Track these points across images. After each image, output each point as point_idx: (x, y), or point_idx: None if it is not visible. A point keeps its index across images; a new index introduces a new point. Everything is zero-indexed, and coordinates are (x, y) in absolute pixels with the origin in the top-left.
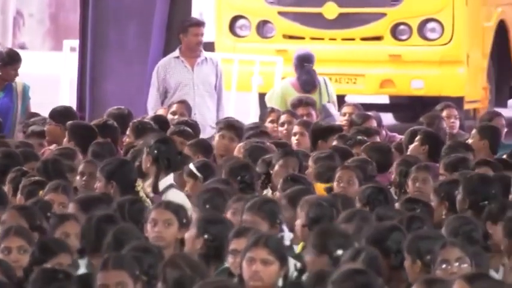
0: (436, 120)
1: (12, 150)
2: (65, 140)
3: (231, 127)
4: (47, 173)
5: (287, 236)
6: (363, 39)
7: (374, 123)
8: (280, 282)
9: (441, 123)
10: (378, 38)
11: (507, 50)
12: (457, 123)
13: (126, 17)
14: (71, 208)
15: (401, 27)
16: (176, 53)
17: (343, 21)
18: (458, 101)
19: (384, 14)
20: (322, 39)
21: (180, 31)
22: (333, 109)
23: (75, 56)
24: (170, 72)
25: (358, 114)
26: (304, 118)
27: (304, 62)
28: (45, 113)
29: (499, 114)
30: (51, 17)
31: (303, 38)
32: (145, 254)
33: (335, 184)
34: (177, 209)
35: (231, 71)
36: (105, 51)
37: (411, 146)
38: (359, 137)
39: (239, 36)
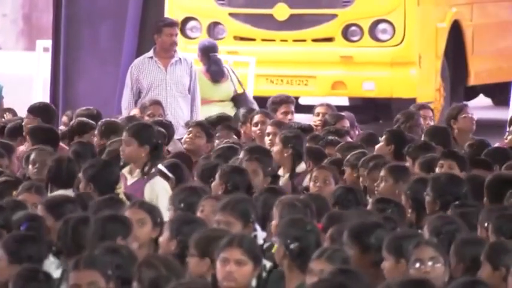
0: (414, 116)
1: None
2: (27, 144)
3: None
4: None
5: (260, 236)
6: (314, 40)
7: (347, 124)
8: (253, 283)
9: (418, 120)
10: (329, 39)
11: (462, 50)
12: (432, 124)
13: (99, 17)
14: (40, 210)
15: (353, 28)
16: (150, 53)
17: (294, 23)
18: (410, 103)
19: (335, 15)
20: (274, 40)
21: (154, 31)
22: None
23: (48, 56)
24: (143, 73)
25: (331, 115)
26: (289, 116)
27: (209, 52)
28: (18, 112)
29: (465, 106)
30: (24, 17)
31: (253, 40)
32: (115, 254)
33: (311, 184)
34: (150, 209)
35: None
36: (79, 52)
37: (377, 146)
38: (330, 137)
39: (190, 38)
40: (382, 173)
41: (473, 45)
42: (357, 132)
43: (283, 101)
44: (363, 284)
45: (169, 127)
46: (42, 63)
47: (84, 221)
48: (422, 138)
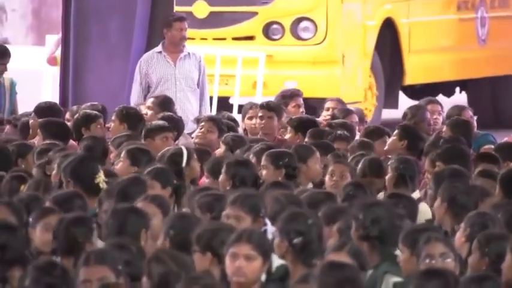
0: (420, 111)
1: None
2: (39, 138)
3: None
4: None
5: (270, 230)
6: (235, 39)
7: (355, 119)
8: (263, 277)
9: (424, 114)
10: (250, 38)
11: (398, 49)
12: (440, 119)
13: (109, 11)
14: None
15: (274, 26)
16: (159, 48)
17: (214, 21)
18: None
19: (255, 13)
20: (193, 39)
21: (164, 26)
22: None
23: (57, 51)
24: (152, 67)
25: (340, 109)
26: (300, 109)
27: None
28: (27, 107)
29: (465, 108)
30: (33, 12)
31: None
32: (123, 250)
33: (327, 178)
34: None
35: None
36: (88, 46)
37: (389, 141)
38: (339, 132)
39: None
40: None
41: (409, 44)
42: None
43: (293, 94)
44: (359, 279)
45: (179, 122)
46: None
47: (79, 221)
48: (444, 130)
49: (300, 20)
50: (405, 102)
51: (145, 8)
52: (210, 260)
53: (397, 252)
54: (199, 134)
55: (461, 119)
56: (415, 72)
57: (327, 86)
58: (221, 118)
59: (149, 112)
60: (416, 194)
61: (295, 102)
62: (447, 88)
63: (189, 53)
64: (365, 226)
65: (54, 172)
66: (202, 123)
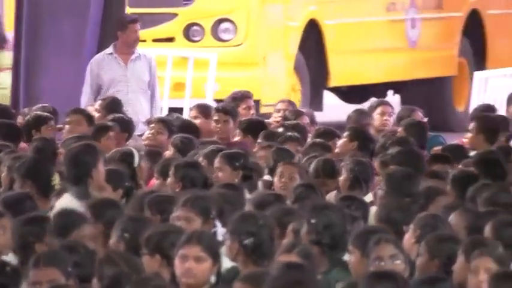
0: (362, 115)
1: None
2: None
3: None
4: None
5: (220, 232)
6: (155, 40)
7: (307, 120)
8: (213, 279)
9: (366, 119)
10: (170, 40)
11: (322, 50)
12: (391, 120)
13: (61, 12)
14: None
15: (194, 27)
16: (110, 49)
17: None
18: (254, 104)
19: (175, 15)
20: None
21: (119, 27)
22: None
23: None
24: (104, 69)
25: (291, 111)
26: (251, 111)
27: None
28: None
29: (415, 109)
30: None
31: None
32: (73, 252)
33: (276, 179)
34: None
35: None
36: (40, 47)
37: (340, 142)
38: (289, 133)
39: None
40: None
41: (334, 45)
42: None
43: (244, 96)
44: (314, 280)
45: (129, 123)
46: None
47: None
48: (399, 131)
49: (221, 21)
50: (333, 105)
51: (97, 10)
52: (159, 262)
53: (346, 257)
54: (150, 135)
55: (416, 120)
56: (340, 74)
57: (248, 87)
58: (171, 120)
59: (97, 114)
60: (369, 197)
61: (245, 104)
62: (379, 91)
63: (140, 55)
64: (317, 231)
65: (3, 174)
66: (153, 125)
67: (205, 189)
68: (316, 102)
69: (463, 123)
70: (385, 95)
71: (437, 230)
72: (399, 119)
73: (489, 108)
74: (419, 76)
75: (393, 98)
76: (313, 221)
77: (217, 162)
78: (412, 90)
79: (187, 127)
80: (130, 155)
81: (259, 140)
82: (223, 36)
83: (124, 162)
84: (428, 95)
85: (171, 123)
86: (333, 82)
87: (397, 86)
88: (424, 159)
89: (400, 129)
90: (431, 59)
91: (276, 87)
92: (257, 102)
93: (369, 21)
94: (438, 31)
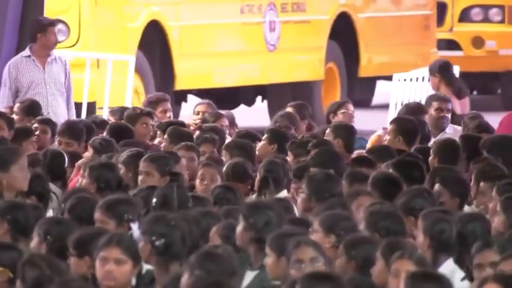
0: (283, 117)
1: None
2: None
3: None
4: None
5: (136, 235)
6: None
7: (226, 122)
8: (133, 281)
9: (289, 122)
10: None
11: (167, 53)
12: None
13: None
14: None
15: None
16: (26, 52)
17: None
18: (89, 107)
19: None
20: None
21: (38, 30)
22: None
23: None
24: (22, 72)
25: (210, 113)
26: (167, 114)
27: None
28: None
29: (346, 102)
30: None
31: None
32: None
33: (197, 182)
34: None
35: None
36: None
37: (259, 146)
38: (206, 135)
39: None
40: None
41: (180, 48)
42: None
43: (159, 99)
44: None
45: (54, 125)
46: None
47: None
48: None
49: None
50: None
51: (16, 12)
52: (88, 264)
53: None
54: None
55: (344, 123)
56: (186, 77)
57: (82, 89)
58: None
59: (16, 117)
60: (283, 194)
61: (161, 107)
62: (247, 96)
63: (55, 57)
64: (257, 229)
65: None
66: (36, 125)
67: (120, 191)
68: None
69: None
70: (253, 101)
71: (355, 231)
72: (328, 113)
73: (419, 109)
74: (279, 80)
75: (262, 105)
76: (252, 220)
77: (146, 166)
78: (278, 95)
79: (123, 129)
80: (61, 155)
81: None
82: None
83: (54, 162)
84: (296, 100)
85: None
86: (179, 85)
87: (264, 92)
88: (343, 160)
89: (328, 130)
90: (293, 63)
91: (113, 89)
92: (92, 104)
93: (220, 24)
94: (301, 34)
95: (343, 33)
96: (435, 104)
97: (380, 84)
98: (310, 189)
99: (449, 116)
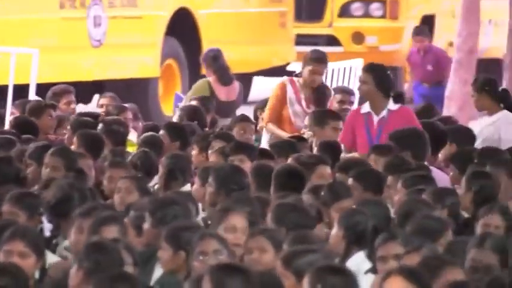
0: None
1: None
2: None
3: None
4: None
5: (47, 228)
6: None
7: (130, 115)
8: (37, 275)
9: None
10: None
11: None
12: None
13: None
14: None
15: None
16: None
17: None
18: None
19: None
20: None
21: None
22: None
23: None
24: None
25: (114, 106)
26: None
27: None
28: None
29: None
30: None
31: None
32: None
33: (105, 182)
34: None
35: None
36: None
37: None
38: (110, 128)
39: None
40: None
41: None
42: (140, 124)
43: (64, 91)
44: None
45: None
46: None
47: None
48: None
49: None
50: None
51: None
52: None
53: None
54: None
55: (245, 115)
56: None
57: None
58: None
59: None
60: (187, 187)
61: (66, 99)
62: (84, 93)
63: None
64: (165, 224)
65: None
66: None
67: (18, 185)
68: None
69: None
70: (90, 98)
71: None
72: (256, 108)
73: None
74: (109, 77)
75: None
76: (159, 214)
77: (54, 160)
78: (115, 93)
79: (26, 124)
80: None
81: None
82: None
83: None
84: (133, 97)
85: None
86: None
87: (102, 89)
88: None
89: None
90: (123, 60)
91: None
92: None
93: (37, 19)
94: (131, 30)
95: (184, 30)
96: (338, 97)
97: None
98: (218, 182)
99: (351, 108)
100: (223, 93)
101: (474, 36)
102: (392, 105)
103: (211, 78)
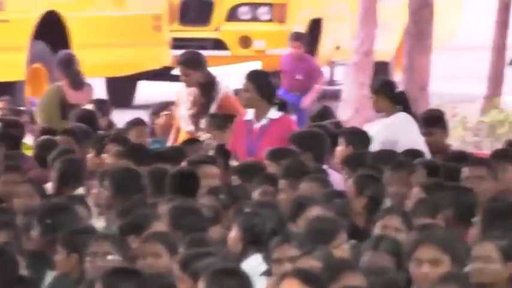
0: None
1: None
2: None
3: None
4: None
5: None
6: None
7: (26, 118)
8: None
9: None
10: None
11: None
12: None
13: None
14: None
15: None
16: None
17: None
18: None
19: None
20: None
21: None
22: None
23: None
24: None
25: (10, 109)
26: None
27: None
28: None
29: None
30: None
31: None
32: None
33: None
34: None
35: None
36: None
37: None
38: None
39: None
40: None
41: None
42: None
43: None
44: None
45: None
46: None
47: None
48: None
49: None
50: None
51: None
52: None
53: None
54: None
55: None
56: None
57: None
58: None
59: None
60: (80, 190)
61: None
62: None
63: None
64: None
65: None
66: None
67: None
68: None
69: None
70: None
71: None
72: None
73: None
74: None
75: None
76: (48, 221)
77: None
78: None
79: None
80: None
81: None
82: None
83: None
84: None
85: None
86: None
87: None
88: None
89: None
90: None
91: None
92: None
93: None
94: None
95: (52, 33)
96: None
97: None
98: (114, 186)
99: None
100: (74, 98)
101: (371, 38)
102: (274, 114)
103: (63, 82)
